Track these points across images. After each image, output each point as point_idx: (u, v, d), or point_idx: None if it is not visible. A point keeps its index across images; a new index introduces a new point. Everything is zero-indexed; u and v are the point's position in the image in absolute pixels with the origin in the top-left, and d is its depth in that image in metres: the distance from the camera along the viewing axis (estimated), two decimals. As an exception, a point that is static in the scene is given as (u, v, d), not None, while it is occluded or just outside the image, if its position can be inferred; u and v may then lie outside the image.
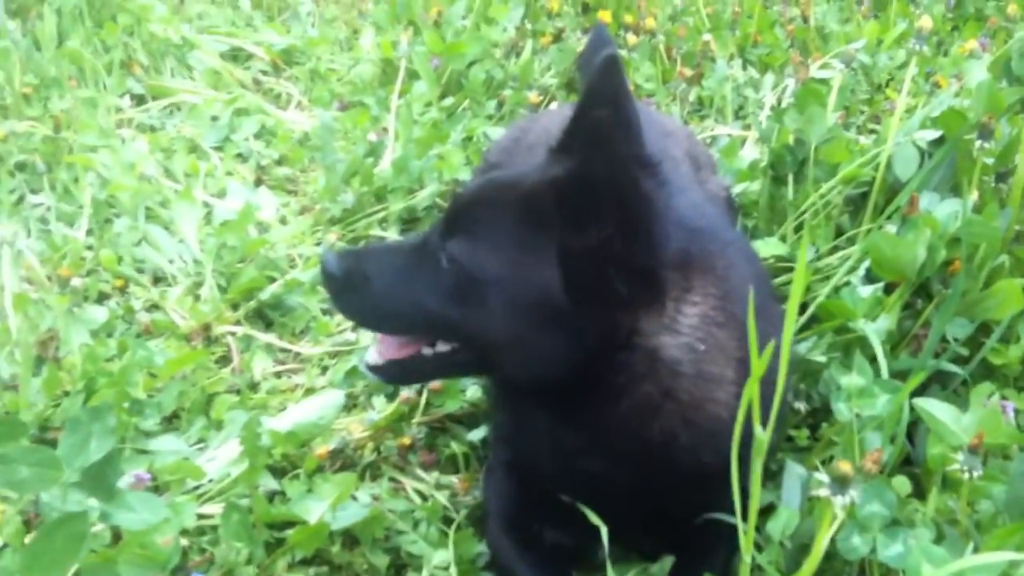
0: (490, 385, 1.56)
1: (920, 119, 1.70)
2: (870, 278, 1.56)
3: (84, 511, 0.97)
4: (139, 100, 2.71)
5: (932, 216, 1.47)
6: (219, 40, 2.92)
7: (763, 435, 0.95)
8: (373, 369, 1.33)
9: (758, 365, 0.92)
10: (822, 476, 1.02)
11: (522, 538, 1.38)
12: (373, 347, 1.34)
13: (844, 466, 1.00)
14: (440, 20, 2.77)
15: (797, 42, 2.86)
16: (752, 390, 0.93)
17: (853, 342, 1.50)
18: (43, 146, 2.40)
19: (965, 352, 1.51)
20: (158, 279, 2.03)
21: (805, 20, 2.87)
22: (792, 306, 0.88)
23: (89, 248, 2.09)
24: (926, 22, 2.77)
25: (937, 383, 1.51)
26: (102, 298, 1.93)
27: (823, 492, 1.01)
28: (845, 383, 1.31)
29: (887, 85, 2.72)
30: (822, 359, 1.51)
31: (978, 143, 1.54)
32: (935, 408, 1.24)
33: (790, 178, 1.89)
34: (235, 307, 1.92)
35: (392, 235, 2.10)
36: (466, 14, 2.83)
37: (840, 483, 1.01)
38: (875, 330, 1.45)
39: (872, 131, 2.47)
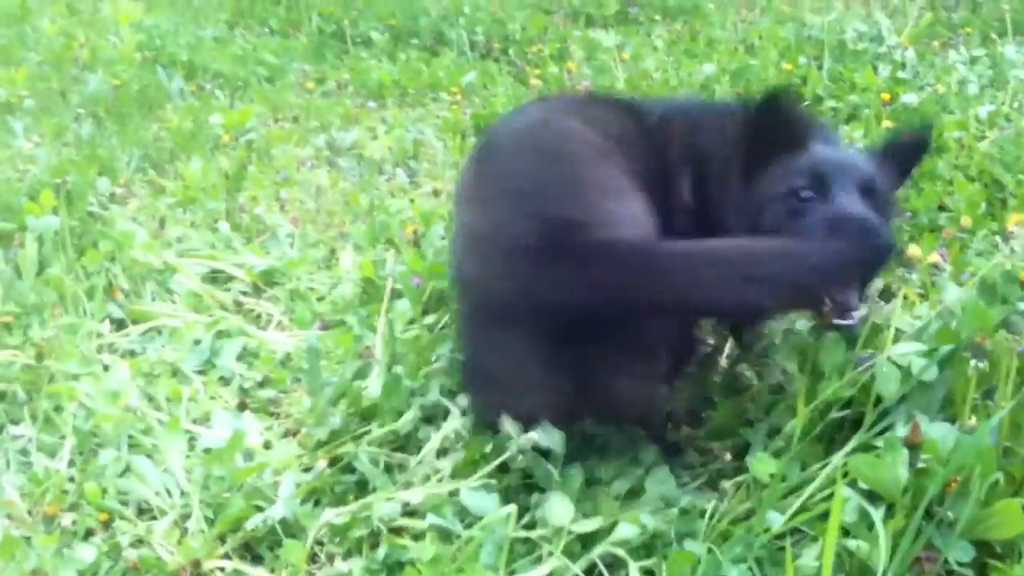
0: None
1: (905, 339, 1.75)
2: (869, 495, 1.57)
3: None
4: (119, 325, 2.72)
5: (933, 441, 1.49)
6: (199, 263, 2.96)
7: None
8: None
9: None
10: None
11: None
12: None
13: None
14: (418, 238, 2.84)
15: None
16: None
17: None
18: (23, 375, 2.38)
19: (970, 573, 1.51)
20: (143, 511, 1.99)
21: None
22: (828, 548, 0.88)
23: (71, 480, 2.05)
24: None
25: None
26: (87, 534, 1.88)
27: None
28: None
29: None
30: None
31: (972, 362, 1.58)
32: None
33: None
34: (223, 539, 1.89)
35: (379, 454, 2.09)
36: (445, 234, 2.90)
37: None
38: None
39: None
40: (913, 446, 1.49)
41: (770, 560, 1.63)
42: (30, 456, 2.13)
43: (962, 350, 1.66)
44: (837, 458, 1.68)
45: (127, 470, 2.06)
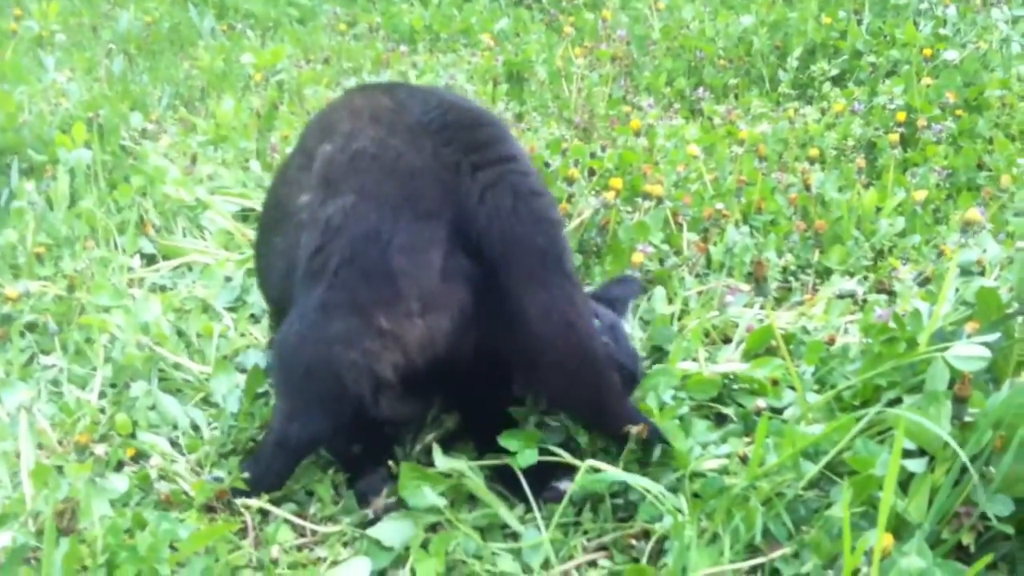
0: None
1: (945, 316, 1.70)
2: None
3: None
4: (150, 260, 2.71)
5: (979, 395, 1.47)
6: (230, 201, 2.95)
7: None
8: None
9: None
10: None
11: None
12: None
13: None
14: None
15: (799, 209, 2.90)
16: None
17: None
18: (55, 306, 2.38)
19: (1009, 529, 1.49)
20: (174, 444, 1.99)
21: (807, 188, 2.92)
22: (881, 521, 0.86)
23: (102, 411, 2.05)
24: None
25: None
26: (119, 466, 1.89)
27: None
28: (904, 565, 1.29)
29: (890, 252, 2.76)
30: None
31: (1020, 319, 1.55)
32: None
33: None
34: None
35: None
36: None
37: None
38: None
39: (880, 291, 2.51)
40: (961, 400, 1.46)
41: (805, 508, 1.61)
42: (61, 387, 2.13)
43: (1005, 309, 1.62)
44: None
45: (156, 404, 2.06)
